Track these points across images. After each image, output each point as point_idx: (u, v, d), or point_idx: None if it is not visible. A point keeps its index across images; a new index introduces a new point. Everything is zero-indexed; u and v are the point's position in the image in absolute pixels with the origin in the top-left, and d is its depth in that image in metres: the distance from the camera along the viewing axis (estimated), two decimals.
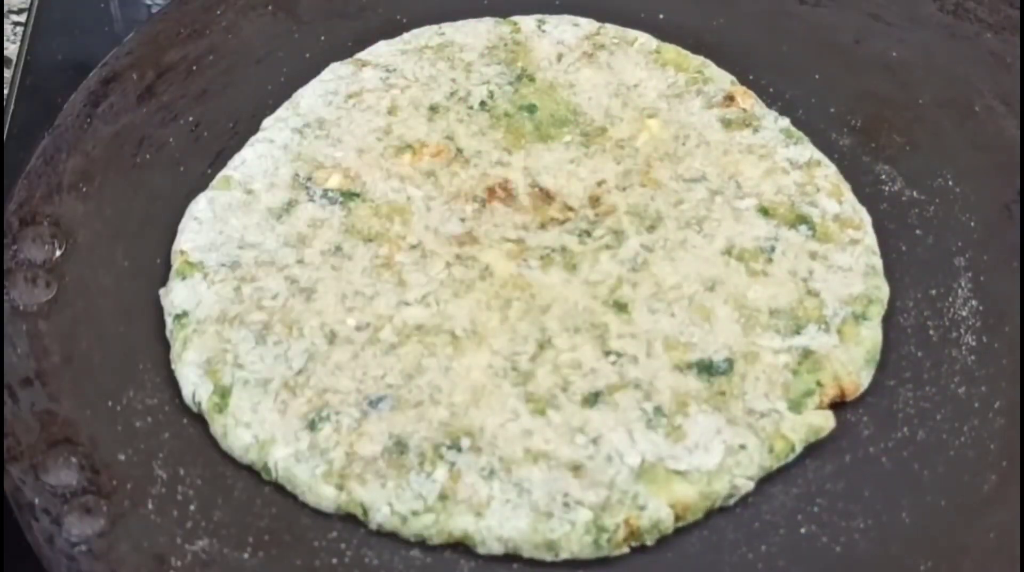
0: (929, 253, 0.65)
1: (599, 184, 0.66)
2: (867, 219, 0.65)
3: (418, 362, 0.60)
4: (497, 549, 0.55)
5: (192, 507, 0.56)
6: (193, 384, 0.59)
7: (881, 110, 0.70)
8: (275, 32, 0.74)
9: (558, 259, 0.63)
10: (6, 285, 0.62)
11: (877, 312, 0.62)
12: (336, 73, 0.71)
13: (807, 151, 0.68)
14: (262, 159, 0.67)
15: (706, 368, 0.60)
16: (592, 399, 0.58)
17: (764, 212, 0.65)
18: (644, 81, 0.71)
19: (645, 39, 0.72)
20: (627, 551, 0.55)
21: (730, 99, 0.70)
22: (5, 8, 0.86)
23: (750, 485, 0.57)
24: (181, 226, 0.65)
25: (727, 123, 0.69)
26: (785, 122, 0.69)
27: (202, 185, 0.67)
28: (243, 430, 0.58)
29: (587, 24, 0.73)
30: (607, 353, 0.60)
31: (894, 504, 0.57)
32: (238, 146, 0.68)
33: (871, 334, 0.61)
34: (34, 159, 0.66)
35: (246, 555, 0.55)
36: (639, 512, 0.55)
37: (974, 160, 0.68)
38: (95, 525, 0.55)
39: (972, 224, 0.66)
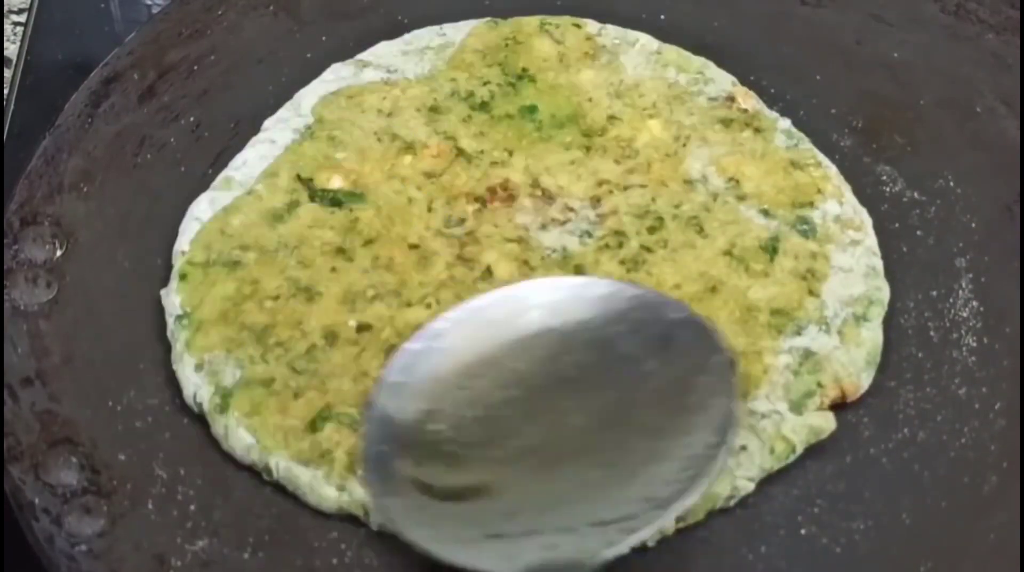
0: (930, 254, 0.65)
1: (600, 185, 0.66)
2: (868, 220, 0.65)
3: None
4: None
5: (192, 507, 0.56)
6: (194, 385, 0.59)
7: (882, 111, 0.70)
8: (276, 32, 0.74)
9: (559, 260, 0.63)
10: (7, 285, 0.62)
11: (878, 313, 0.62)
12: (337, 73, 0.71)
13: (808, 152, 0.68)
14: (263, 160, 0.67)
15: None
16: None
17: (765, 213, 0.65)
18: (645, 82, 0.71)
19: (646, 40, 0.72)
20: (627, 551, 0.55)
21: (731, 100, 0.70)
22: (5, 8, 0.86)
23: (750, 486, 0.57)
24: (182, 226, 0.65)
25: (728, 124, 0.69)
26: (786, 123, 0.69)
27: (203, 185, 0.67)
28: (244, 431, 0.58)
29: (588, 25, 0.73)
30: None
31: (894, 505, 0.57)
32: (239, 146, 0.68)
33: (872, 335, 0.61)
34: (35, 159, 0.66)
35: (246, 555, 0.55)
36: None
37: (975, 161, 0.68)
38: (95, 525, 0.55)
39: (973, 225, 0.66)
